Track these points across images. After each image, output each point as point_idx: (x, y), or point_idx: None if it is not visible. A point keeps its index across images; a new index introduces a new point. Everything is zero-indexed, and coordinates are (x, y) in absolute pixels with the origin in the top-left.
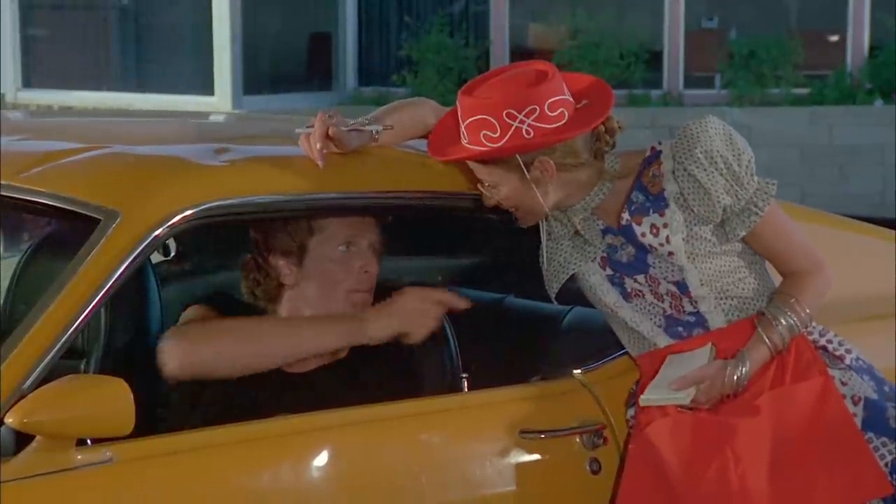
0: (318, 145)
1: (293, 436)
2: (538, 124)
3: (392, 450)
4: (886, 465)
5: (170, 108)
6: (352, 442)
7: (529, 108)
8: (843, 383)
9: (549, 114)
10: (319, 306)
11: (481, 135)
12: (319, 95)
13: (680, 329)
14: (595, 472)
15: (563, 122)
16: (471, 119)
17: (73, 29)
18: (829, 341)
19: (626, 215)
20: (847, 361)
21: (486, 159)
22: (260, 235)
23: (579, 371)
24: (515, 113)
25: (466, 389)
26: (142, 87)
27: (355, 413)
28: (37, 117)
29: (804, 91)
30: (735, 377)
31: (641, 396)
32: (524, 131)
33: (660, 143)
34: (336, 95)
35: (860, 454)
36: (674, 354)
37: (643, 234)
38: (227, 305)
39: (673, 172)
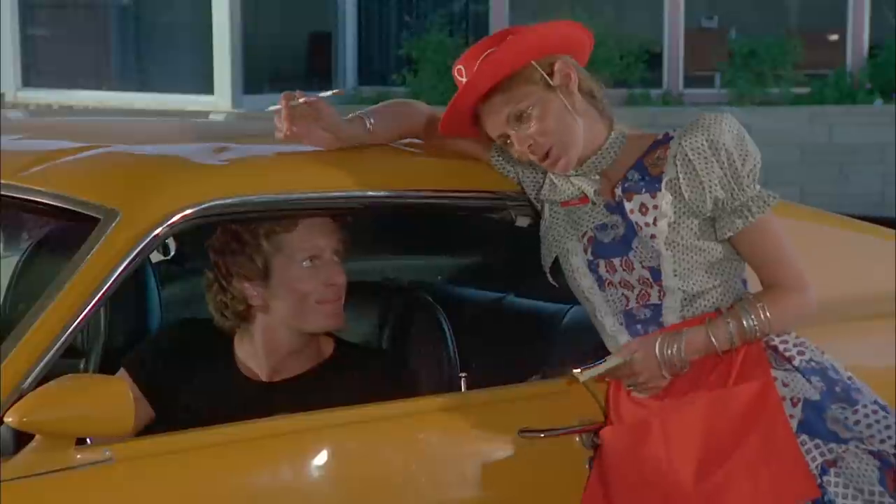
0: (285, 124)
1: (293, 435)
2: None
3: (391, 449)
4: (817, 466)
5: (170, 107)
6: (352, 441)
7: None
8: (785, 384)
9: None
10: (293, 322)
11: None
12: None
13: (638, 326)
14: (589, 475)
15: None
16: (477, 63)
17: (73, 28)
18: (784, 341)
19: (618, 191)
20: (795, 363)
21: (508, 85)
22: (220, 259)
23: (578, 370)
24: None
25: (465, 388)
26: (142, 86)
27: (355, 412)
28: (36, 116)
29: (804, 90)
30: (667, 350)
31: (581, 372)
32: None
33: (674, 131)
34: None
35: (790, 456)
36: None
37: (632, 211)
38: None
39: (675, 157)
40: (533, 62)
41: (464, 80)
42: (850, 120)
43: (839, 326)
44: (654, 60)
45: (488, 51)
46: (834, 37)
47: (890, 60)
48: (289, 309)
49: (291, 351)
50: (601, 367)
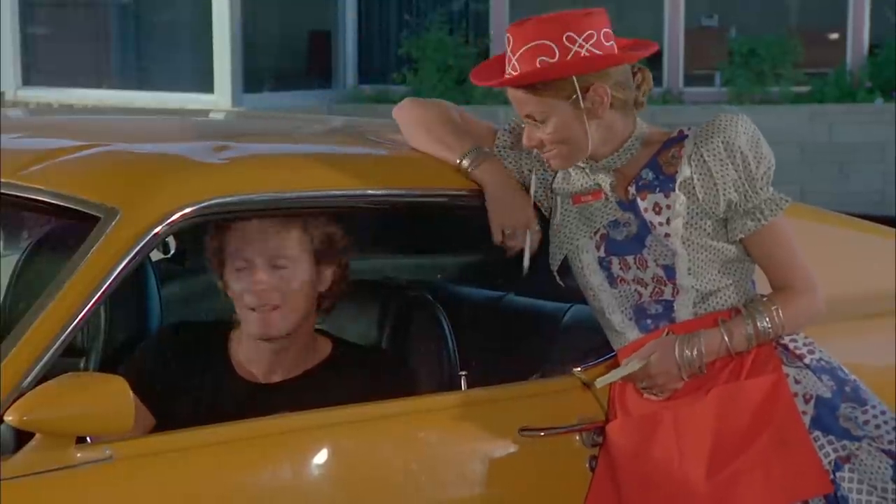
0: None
1: (293, 433)
2: (596, 50)
3: (391, 448)
4: (830, 462)
5: (170, 105)
6: (351, 440)
7: (588, 33)
8: (797, 381)
9: (604, 42)
10: (243, 323)
11: (538, 60)
12: (319, 93)
13: (648, 321)
14: (595, 470)
15: (616, 52)
16: (526, 47)
17: (73, 26)
18: (793, 340)
19: (632, 189)
20: (806, 361)
21: (539, 88)
22: (205, 255)
23: (579, 369)
24: (575, 36)
25: (465, 387)
26: (142, 84)
27: (355, 411)
28: (37, 115)
29: (804, 89)
30: (686, 352)
31: (596, 380)
32: (583, 55)
33: (688, 129)
34: (336, 93)
35: (803, 452)
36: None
37: (646, 210)
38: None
39: (690, 157)
40: (574, 77)
41: (508, 47)
42: (851, 118)
43: (839, 325)
44: (654, 59)
45: (537, 42)
46: (834, 35)
47: (890, 59)
48: (238, 310)
49: (277, 351)
50: (619, 373)
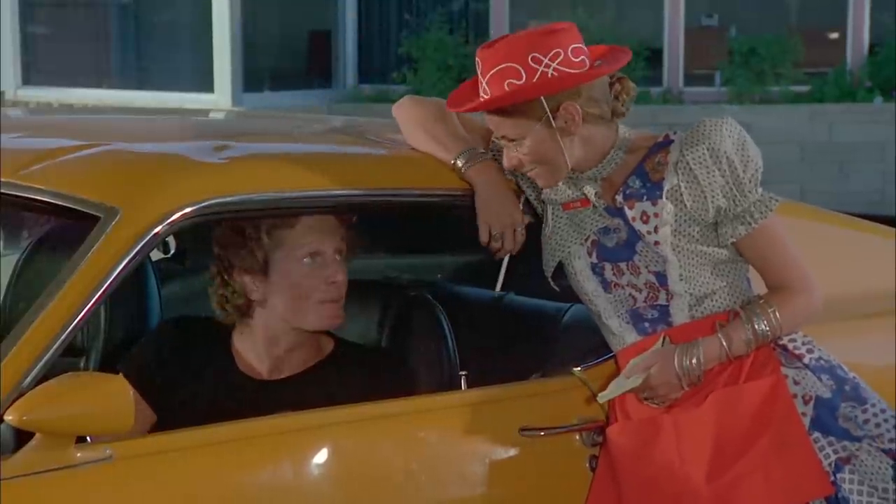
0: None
1: (293, 433)
2: (563, 68)
3: (391, 447)
4: (830, 464)
5: (170, 105)
6: (351, 440)
7: (554, 51)
8: (796, 382)
9: (573, 59)
10: (292, 319)
11: (506, 83)
12: (319, 93)
13: (646, 325)
14: (595, 470)
15: (586, 67)
16: (494, 70)
17: (73, 26)
18: (792, 340)
19: (619, 198)
20: (805, 361)
21: (510, 111)
22: (222, 251)
23: (579, 368)
24: (540, 57)
25: (465, 387)
26: (142, 84)
27: (355, 411)
28: (37, 114)
29: (804, 89)
30: (686, 362)
31: (598, 395)
32: (550, 74)
33: (674, 133)
34: (336, 93)
35: (803, 454)
36: (634, 359)
37: (633, 219)
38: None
39: (676, 165)
40: (542, 98)
41: (478, 70)
42: (850, 118)
43: (839, 325)
44: (654, 58)
45: (504, 65)
46: (834, 35)
47: (890, 58)
48: (287, 305)
49: (290, 348)
50: (620, 388)
